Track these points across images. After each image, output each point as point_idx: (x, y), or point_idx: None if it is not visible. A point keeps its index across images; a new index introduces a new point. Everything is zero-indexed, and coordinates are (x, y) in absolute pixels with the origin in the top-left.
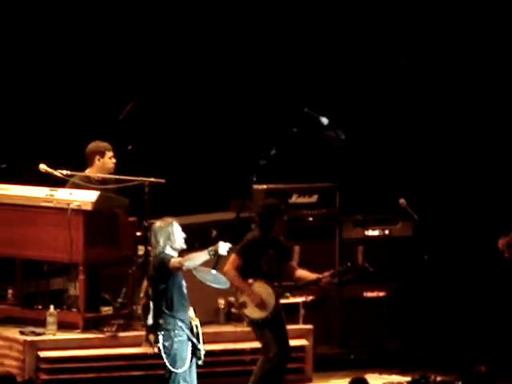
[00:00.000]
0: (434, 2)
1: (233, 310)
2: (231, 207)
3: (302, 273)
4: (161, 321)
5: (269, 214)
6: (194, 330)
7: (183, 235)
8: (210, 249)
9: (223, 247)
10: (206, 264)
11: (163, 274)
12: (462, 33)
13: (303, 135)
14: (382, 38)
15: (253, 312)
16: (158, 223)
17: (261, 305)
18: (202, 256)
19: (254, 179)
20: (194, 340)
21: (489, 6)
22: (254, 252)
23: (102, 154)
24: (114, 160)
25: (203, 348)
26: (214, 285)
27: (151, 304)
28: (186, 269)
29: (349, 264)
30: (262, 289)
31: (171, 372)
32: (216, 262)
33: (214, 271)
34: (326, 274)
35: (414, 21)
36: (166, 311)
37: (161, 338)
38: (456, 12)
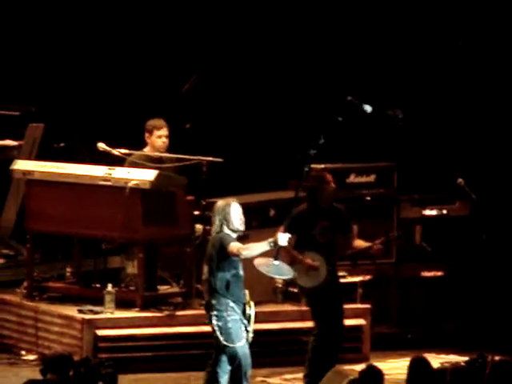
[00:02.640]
0: None
1: (290, 288)
2: (289, 187)
3: (358, 242)
4: (213, 301)
5: (314, 185)
6: (247, 311)
7: (242, 217)
8: (269, 240)
9: (283, 238)
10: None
11: (220, 254)
12: None
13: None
14: (440, 17)
15: (304, 281)
16: (218, 202)
17: (313, 272)
18: (261, 246)
19: (306, 169)
20: (245, 322)
21: None
22: (303, 224)
23: (151, 132)
24: (163, 139)
25: (252, 330)
26: (276, 276)
27: (203, 284)
28: (243, 257)
29: (399, 232)
30: (312, 257)
31: (228, 348)
32: (277, 252)
33: (276, 262)
34: (377, 241)
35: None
36: (220, 291)
37: (214, 318)
38: None
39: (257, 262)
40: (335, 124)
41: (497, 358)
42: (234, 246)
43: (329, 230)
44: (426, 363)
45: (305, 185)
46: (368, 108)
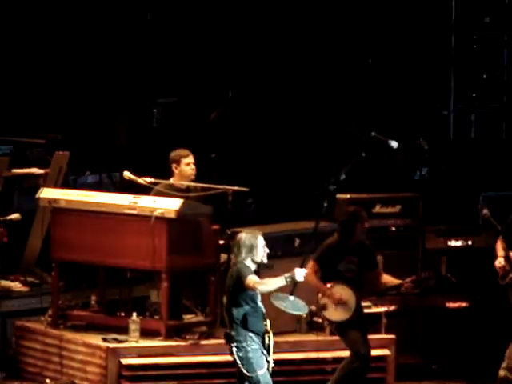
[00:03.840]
0: None
1: (315, 318)
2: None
3: (387, 278)
4: (233, 332)
5: (350, 221)
6: (266, 341)
7: (266, 250)
8: (286, 275)
9: (300, 273)
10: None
11: (238, 286)
12: None
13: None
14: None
15: (333, 314)
16: (243, 234)
17: (341, 306)
18: (277, 281)
19: (325, 204)
20: (264, 352)
21: None
22: (332, 257)
23: (178, 162)
24: (192, 166)
25: (272, 360)
26: (291, 311)
27: (224, 314)
28: (260, 292)
29: (431, 272)
30: (342, 290)
31: (252, 378)
32: (293, 288)
33: (292, 297)
34: (408, 279)
35: None
36: (238, 323)
37: (234, 349)
38: None
39: (273, 297)
40: (359, 159)
41: None
42: (251, 280)
43: (356, 265)
44: None
45: (341, 220)
46: (394, 144)
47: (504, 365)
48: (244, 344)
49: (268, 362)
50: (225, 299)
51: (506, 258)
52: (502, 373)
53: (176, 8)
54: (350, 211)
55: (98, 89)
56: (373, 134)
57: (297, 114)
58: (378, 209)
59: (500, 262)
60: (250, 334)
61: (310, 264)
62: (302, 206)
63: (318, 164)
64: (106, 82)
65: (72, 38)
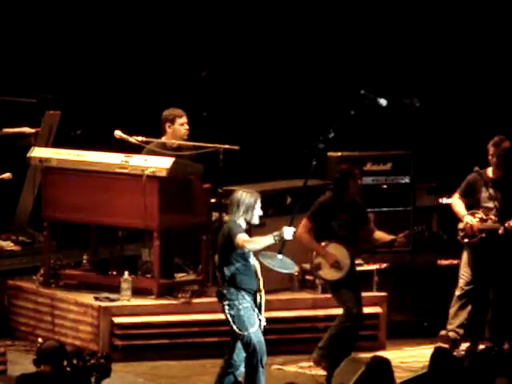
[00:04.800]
0: None
1: (307, 276)
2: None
3: (380, 234)
4: (224, 290)
5: (343, 178)
6: (258, 300)
7: (260, 212)
8: (274, 233)
9: (288, 232)
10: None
11: (229, 245)
12: None
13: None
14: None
15: (328, 273)
16: (244, 192)
17: (336, 265)
18: (266, 240)
19: (314, 163)
20: (256, 310)
21: None
22: (325, 215)
23: (172, 121)
24: (186, 126)
25: (264, 320)
26: (280, 270)
27: (216, 272)
28: (248, 251)
29: (424, 226)
30: (336, 249)
31: (243, 336)
32: (281, 246)
33: (280, 256)
34: (401, 234)
35: None
36: (230, 281)
37: (226, 307)
38: None
39: (261, 255)
40: (348, 117)
41: None
42: (240, 239)
43: (348, 223)
44: (449, 353)
45: (334, 177)
46: (383, 102)
47: (451, 326)
48: (236, 302)
49: (260, 320)
50: (216, 258)
51: (480, 217)
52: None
53: None
54: (343, 169)
55: (87, 47)
56: (362, 91)
57: (286, 72)
58: (369, 166)
59: (471, 220)
60: (242, 292)
61: (304, 222)
62: (292, 164)
63: (308, 122)
64: (95, 39)
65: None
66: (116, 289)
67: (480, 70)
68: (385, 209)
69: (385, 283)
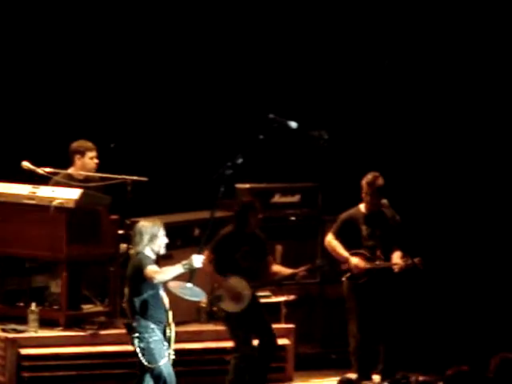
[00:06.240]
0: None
1: (214, 308)
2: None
3: (279, 268)
4: (135, 323)
5: (244, 211)
6: (167, 333)
7: (166, 240)
8: (183, 262)
9: (197, 260)
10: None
11: (138, 276)
12: (443, 31)
13: (287, 136)
14: (366, 38)
15: (228, 305)
16: (144, 222)
17: (236, 298)
18: (175, 269)
19: (222, 189)
20: (166, 343)
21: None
22: (228, 247)
23: (82, 154)
24: (95, 160)
25: (173, 352)
26: (190, 298)
27: (126, 304)
28: (158, 282)
29: (326, 260)
30: (237, 282)
31: (153, 369)
32: (191, 275)
33: (189, 284)
34: (302, 268)
35: (396, 20)
36: (140, 313)
37: (136, 340)
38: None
39: (171, 284)
40: (256, 142)
41: (421, 378)
42: (150, 270)
43: (249, 255)
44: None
45: (235, 210)
46: (293, 124)
47: None
48: (145, 335)
49: (169, 353)
50: (126, 290)
51: (365, 256)
52: None
53: None
54: (244, 202)
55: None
56: (271, 115)
57: (190, 99)
58: (277, 198)
59: (359, 261)
60: (152, 324)
61: (206, 254)
62: (202, 194)
63: (216, 149)
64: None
65: None
66: (23, 320)
67: (386, 103)
68: (293, 241)
69: (293, 315)
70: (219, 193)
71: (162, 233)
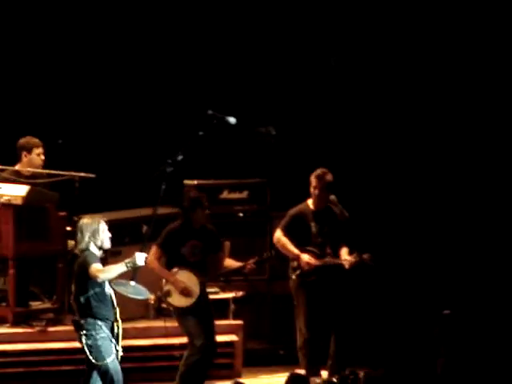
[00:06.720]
0: None
1: (162, 304)
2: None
3: (229, 261)
4: (81, 321)
5: (191, 206)
6: (115, 330)
7: (109, 235)
8: (126, 261)
9: (140, 258)
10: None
11: (84, 274)
12: (387, 28)
13: (234, 132)
14: (313, 36)
15: (177, 300)
16: (84, 219)
17: (185, 292)
18: (118, 268)
19: (164, 187)
20: (113, 340)
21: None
22: (175, 242)
23: (29, 151)
24: (42, 157)
25: (121, 349)
26: (134, 296)
27: (72, 302)
28: (102, 280)
29: (272, 252)
30: (185, 276)
31: (100, 366)
32: (134, 273)
33: (132, 283)
34: (251, 261)
35: (344, 18)
36: (87, 311)
37: (83, 337)
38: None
39: (114, 283)
40: (196, 139)
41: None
42: (94, 268)
43: (199, 250)
44: (305, 379)
45: (182, 205)
46: (232, 120)
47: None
48: (93, 332)
49: (117, 350)
50: (73, 287)
51: (315, 254)
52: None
53: None
54: (191, 197)
55: None
56: (209, 111)
57: (132, 96)
58: (225, 194)
59: (310, 258)
60: (99, 322)
61: (153, 249)
62: (148, 190)
63: (158, 146)
64: None
65: None
66: None
67: (335, 97)
68: (241, 237)
69: (241, 311)
70: (161, 190)
71: (102, 227)
